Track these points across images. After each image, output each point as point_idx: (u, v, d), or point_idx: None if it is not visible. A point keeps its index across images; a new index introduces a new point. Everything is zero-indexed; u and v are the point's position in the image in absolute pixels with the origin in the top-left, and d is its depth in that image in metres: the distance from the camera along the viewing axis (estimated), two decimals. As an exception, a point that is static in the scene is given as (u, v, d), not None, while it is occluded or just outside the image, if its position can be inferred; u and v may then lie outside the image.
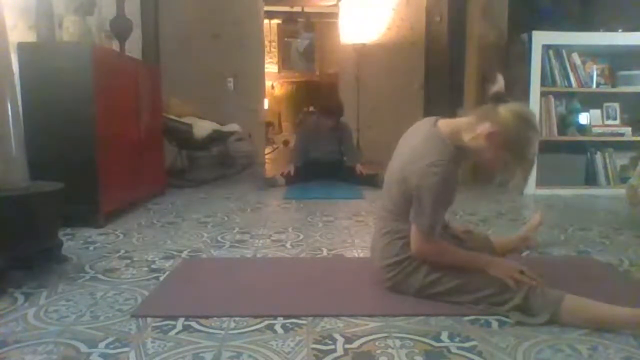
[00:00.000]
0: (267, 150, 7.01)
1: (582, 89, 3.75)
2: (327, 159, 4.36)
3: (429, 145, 1.48)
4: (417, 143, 1.53)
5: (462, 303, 1.47)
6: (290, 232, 2.50)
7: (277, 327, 1.35)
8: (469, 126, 1.47)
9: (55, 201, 1.91)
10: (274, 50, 10.10)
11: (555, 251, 2.18)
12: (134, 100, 3.10)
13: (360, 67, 6.12)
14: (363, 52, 6.08)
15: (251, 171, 5.13)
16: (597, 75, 3.78)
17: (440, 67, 5.29)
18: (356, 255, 2.12)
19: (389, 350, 1.22)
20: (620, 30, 3.71)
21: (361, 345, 1.25)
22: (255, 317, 1.41)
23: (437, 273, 1.51)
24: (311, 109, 8.78)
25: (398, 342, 1.26)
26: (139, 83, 3.17)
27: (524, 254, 2.11)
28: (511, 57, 4.06)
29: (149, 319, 1.40)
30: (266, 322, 1.38)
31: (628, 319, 1.31)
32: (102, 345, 1.24)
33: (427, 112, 5.55)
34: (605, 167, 3.76)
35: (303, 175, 4.21)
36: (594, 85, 3.77)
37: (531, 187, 3.64)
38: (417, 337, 1.29)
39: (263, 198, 3.57)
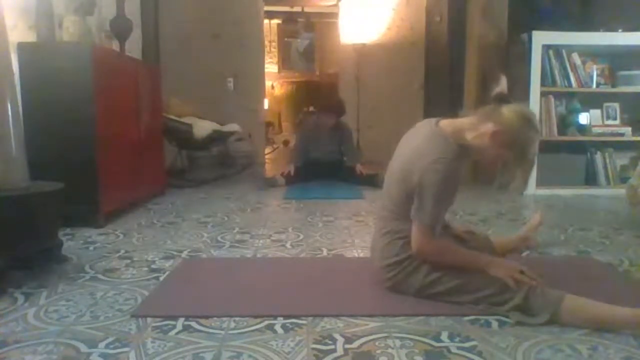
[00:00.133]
0: (267, 150, 7.01)
1: (582, 89, 3.75)
2: (327, 159, 4.36)
3: (432, 144, 1.49)
4: (418, 143, 1.53)
5: (462, 303, 1.47)
6: (290, 232, 2.50)
7: (277, 327, 1.35)
8: (472, 126, 1.49)
9: (55, 201, 1.91)
10: (274, 50, 10.10)
11: (555, 251, 2.19)
12: (134, 100, 3.10)
13: (360, 67, 6.12)
14: (363, 52, 6.08)
15: (251, 171, 5.13)
16: (597, 75, 3.78)
17: (440, 67, 5.29)
18: (356, 255, 2.12)
19: (389, 350, 1.22)
20: (620, 30, 3.71)
21: (361, 345, 1.25)
22: (255, 317, 1.41)
23: (437, 273, 1.51)
24: (311, 109, 8.78)
25: (398, 342, 1.26)
26: (139, 83, 3.17)
27: (524, 254, 2.11)
28: (511, 57, 4.06)
29: (149, 319, 1.40)
30: (266, 322, 1.38)
31: (628, 319, 1.31)
32: (102, 345, 1.24)
33: (427, 112, 5.55)
34: (605, 167, 3.76)
35: (303, 175, 4.21)
36: (594, 85, 3.77)
37: (531, 187, 3.64)
38: (417, 337, 1.29)
39: (263, 198, 3.57)
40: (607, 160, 3.76)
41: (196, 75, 5.31)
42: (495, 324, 1.38)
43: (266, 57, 7.69)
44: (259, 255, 2.11)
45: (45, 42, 2.55)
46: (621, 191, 3.02)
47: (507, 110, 1.44)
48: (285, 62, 10.27)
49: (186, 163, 4.69)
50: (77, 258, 2.01)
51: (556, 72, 3.69)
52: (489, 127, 1.44)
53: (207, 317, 1.40)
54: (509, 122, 1.43)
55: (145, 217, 2.83)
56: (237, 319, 1.40)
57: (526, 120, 1.45)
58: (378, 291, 1.62)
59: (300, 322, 1.38)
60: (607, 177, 3.75)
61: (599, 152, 3.76)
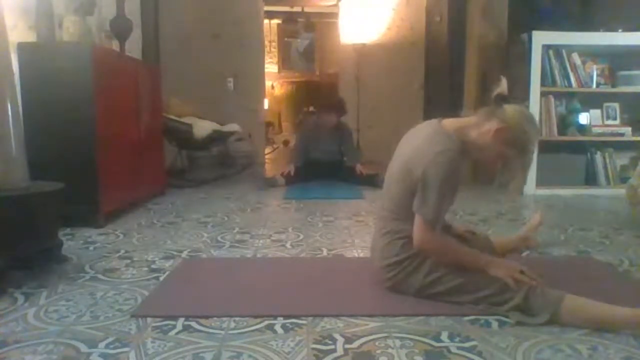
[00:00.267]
0: (267, 150, 7.01)
1: (582, 89, 3.75)
2: (327, 159, 4.36)
3: (435, 140, 1.50)
4: (420, 141, 1.54)
5: (462, 303, 1.47)
6: (290, 232, 2.50)
7: (277, 327, 1.35)
8: (475, 124, 1.53)
9: (55, 201, 1.91)
10: (274, 50, 10.10)
11: (555, 251, 2.19)
12: (134, 100, 3.10)
13: (360, 67, 6.12)
14: (363, 52, 6.08)
15: (251, 171, 5.13)
16: (597, 75, 3.78)
17: (440, 67, 5.29)
18: (356, 255, 2.12)
19: (389, 350, 1.22)
20: (620, 30, 3.71)
21: (361, 345, 1.25)
22: (255, 317, 1.41)
23: (438, 273, 1.51)
24: (311, 109, 8.78)
25: (398, 342, 1.26)
26: (139, 83, 3.17)
27: (524, 254, 2.11)
28: (511, 57, 4.06)
29: (149, 319, 1.40)
30: (266, 322, 1.38)
31: (628, 319, 1.31)
32: (102, 345, 1.24)
33: (427, 112, 5.55)
34: (605, 167, 3.76)
35: (303, 175, 4.21)
36: (594, 85, 3.77)
37: (531, 187, 3.64)
38: (417, 337, 1.29)
39: (263, 198, 3.57)
40: (607, 160, 3.76)
41: (196, 75, 5.31)
42: (495, 324, 1.38)
43: (266, 57, 7.69)
44: (259, 255, 2.11)
45: (45, 42, 2.55)
46: (621, 191, 3.02)
47: (510, 109, 1.48)
48: (285, 62, 10.27)
49: (186, 163, 4.69)
50: (77, 258, 2.01)
51: (556, 72, 3.69)
52: (492, 124, 1.48)
53: (207, 317, 1.40)
54: (512, 120, 1.47)
55: (145, 217, 2.83)
56: (237, 319, 1.40)
57: (527, 118, 1.51)
58: (378, 291, 1.62)
59: (300, 322, 1.38)
60: (607, 177, 3.75)
61: (599, 152, 3.76)
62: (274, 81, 10.23)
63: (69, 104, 2.46)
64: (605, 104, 3.86)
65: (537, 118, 3.46)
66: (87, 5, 2.77)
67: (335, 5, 7.30)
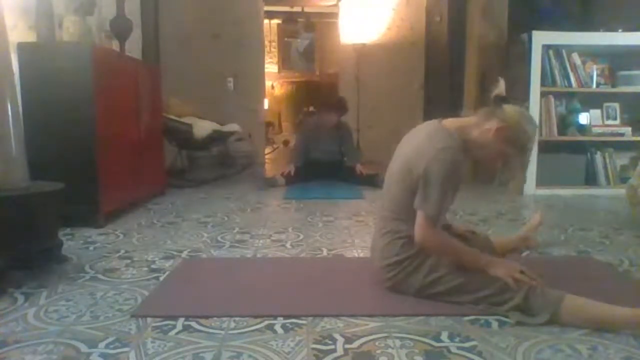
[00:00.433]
0: (267, 150, 7.01)
1: (582, 89, 3.74)
2: (327, 159, 4.36)
3: (437, 138, 1.52)
4: (420, 140, 1.55)
5: (462, 303, 1.47)
6: (290, 232, 2.50)
7: (277, 327, 1.35)
8: (475, 123, 1.55)
9: (55, 201, 1.91)
10: (274, 50, 10.10)
11: (555, 251, 2.19)
12: (134, 100, 3.10)
13: (360, 67, 6.12)
14: (363, 52, 6.08)
15: (251, 171, 5.13)
16: (597, 75, 3.77)
17: (440, 67, 5.29)
18: (356, 255, 2.12)
19: (389, 350, 1.22)
20: (620, 30, 3.71)
21: (361, 345, 1.25)
22: (255, 317, 1.41)
23: (437, 273, 1.51)
24: (311, 109, 8.78)
25: (398, 342, 1.26)
26: (139, 83, 3.17)
27: (524, 254, 2.11)
28: (511, 57, 4.06)
29: (149, 319, 1.40)
30: (266, 322, 1.38)
31: (628, 319, 1.31)
32: (102, 345, 1.24)
33: (427, 112, 5.55)
34: (605, 167, 3.76)
35: (303, 175, 4.21)
36: (594, 85, 3.77)
37: (531, 187, 3.64)
38: (417, 337, 1.29)
39: (263, 198, 3.57)
40: (607, 160, 3.76)
41: (196, 75, 5.31)
42: (495, 324, 1.38)
43: (266, 57, 7.69)
44: (259, 255, 2.11)
45: (45, 42, 2.55)
46: (621, 191, 3.02)
47: (509, 109, 1.51)
48: (285, 62, 10.27)
49: (186, 163, 4.69)
50: (77, 258, 2.01)
51: (556, 72, 3.68)
52: (493, 123, 1.50)
53: (207, 317, 1.40)
54: (512, 120, 1.50)
55: (145, 217, 2.83)
56: (237, 319, 1.40)
57: (526, 117, 1.56)
58: (378, 291, 1.62)
59: (300, 322, 1.38)
60: (607, 177, 3.75)
61: (599, 152, 3.76)
62: (274, 81, 10.23)
63: (69, 104, 2.46)
64: (605, 104, 3.86)
65: (537, 118, 3.47)
66: (87, 5, 2.77)
67: (335, 5, 7.30)
